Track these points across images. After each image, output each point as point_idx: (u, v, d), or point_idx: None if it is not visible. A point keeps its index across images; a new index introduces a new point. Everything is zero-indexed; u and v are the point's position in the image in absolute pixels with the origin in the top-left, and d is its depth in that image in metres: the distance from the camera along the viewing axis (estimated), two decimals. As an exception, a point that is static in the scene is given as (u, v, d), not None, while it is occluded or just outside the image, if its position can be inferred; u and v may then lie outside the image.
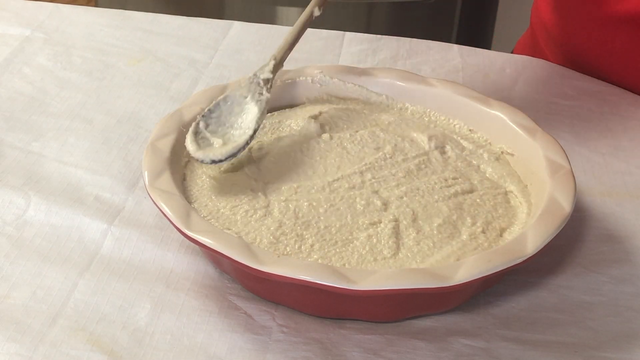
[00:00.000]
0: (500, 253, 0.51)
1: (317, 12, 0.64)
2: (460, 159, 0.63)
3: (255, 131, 0.57)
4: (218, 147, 0.57)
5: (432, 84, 0.69)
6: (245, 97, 0.60)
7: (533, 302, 0.57)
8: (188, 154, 0.61)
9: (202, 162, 0.56)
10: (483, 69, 0.85)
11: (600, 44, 0.85)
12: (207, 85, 0.78)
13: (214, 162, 0.56)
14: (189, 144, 0.57)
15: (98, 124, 0.72)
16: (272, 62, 0.63)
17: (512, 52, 1.02)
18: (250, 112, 0.58)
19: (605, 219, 0.64)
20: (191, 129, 0.58)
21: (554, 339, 0.54)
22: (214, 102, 0.60)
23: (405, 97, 0.69)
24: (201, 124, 0.58)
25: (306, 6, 0.66)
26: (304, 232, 0.55)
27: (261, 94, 0.59)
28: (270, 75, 0.62)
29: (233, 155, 0.56)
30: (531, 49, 0.97)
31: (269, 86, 0.60)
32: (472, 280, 0.49)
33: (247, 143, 0.57)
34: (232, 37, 0.89)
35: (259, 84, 0.60)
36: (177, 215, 0.53)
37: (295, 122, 0.65)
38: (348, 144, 0.63)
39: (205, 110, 0.59)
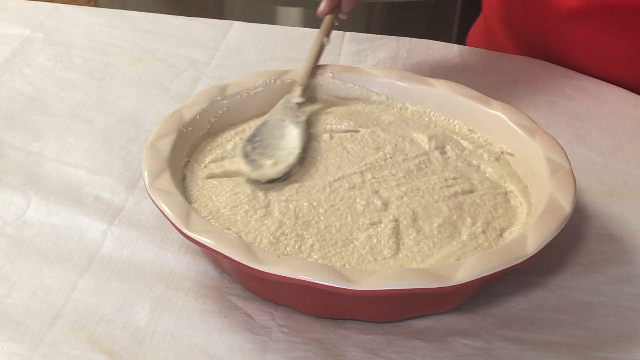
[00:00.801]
0: (500, 253, 0.51)
1: (326, 42, 0.72)
2: (461, 159, 0.63)
3: (302, 149, 0.61)
4: (271, 167, 0.59)
5: (432, 84, 0.69)
6: (283, 121, 0.64)
7: (533, 302, 0.57)
8: (189, 154, 0.61)
9: (259, 182, 0.59)
10: (483, 69, 0.85)
11: (559, 38, 0.86)
12: (207, 85, 0.78)
13: (270, 180, 0.59)
14: (244, 167, 0.59)
15: (98, 124, 0.72)
16: (300, 88, 0.67)
17: (465, 44, 1.01)
18: (291, 134, 0.63)
19: (605, 219, 0.64)
20: (240, 153, 0.60)
21: (554, 339, 0.54)
22: (255, 128, 0.63)
23: (405, 97, 0.69)
24: (248, 148, 0.61)
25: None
26: (304, 232, 0.55)
27: (297, 116, 0.64)
28: (302, 99, 0.67)
29: (286, 172, 0.59)
30: (487, 41, 0.97)
31: (303, 109, 0.66)
32: (472, 281, 0.49)
33: (297, 161, 0.60)
34: (232, 37, 0.89)
35: (292, 108, 0.65)
36: (177, 215, 0.53)
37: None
38: (348, 144, 0.63)
39: (249, 136, 0.62)
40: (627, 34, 0.82)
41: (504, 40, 0.94)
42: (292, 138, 0.62)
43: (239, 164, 0.60)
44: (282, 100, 0.66)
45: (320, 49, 0.71)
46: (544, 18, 0.87)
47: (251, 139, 0.62)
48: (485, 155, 0.64)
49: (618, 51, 0.83)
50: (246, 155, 0.60)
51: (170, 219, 0.53)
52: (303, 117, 0.64)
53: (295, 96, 0.67)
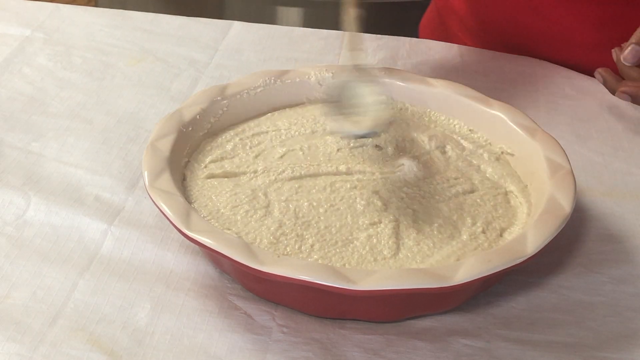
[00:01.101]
0: (500, 253, 0.51)
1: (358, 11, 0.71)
2: (461, 159, 0.63)
3: (385, 102, 0.62)
4: (367, 122, 0.60)
5: (432, 84, 0.69)
6: (353, 82, 0.63)
7: (533, 302, 0.57)
8: (189, 154, 0.61)
9: (360, 136, 0.60)
10: (483, 69, 0.85)
11: (520, 29, 0.87)
12: (207, 85, 0.78)
13: (374, 133, 0.60)
14: (347, 125, 0.59)
15: (98, 124, 0.72)
16: (355, 53, 0.66)
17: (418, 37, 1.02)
18: (366, 92, 0.62)
19: (605, 219, 0.64)
20: (331, 115, 0.61)
21: (554, 339, 0.54)
22: (327, 91, 0.64)
23: (405, 97, 0.69)
24: (337, 109, 0.61)
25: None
26: (304, 232, 0.55)
27: (366, 75, 0.63)
28: (364, 61, 0.65)
29: (383, 125, 0.61)
30: (441, 33, 0.97)
31: (368, 68, 0.65)
32: (472, 281, 0.49)
33: (386, 113, 0.62)
34: (232, 37, 0.89)
35: (358, 70, 0.64)
36: (177, 215, 0.53)
37: (295, 121, 0.65)
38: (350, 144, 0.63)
39: (328, 98, 0.63)
40: (587, 23, 0.83)
41: (459, 32, 0.94)
42: (369, 95, 0.62)
43: (335, 123, 0.60)
44: (348, 66, 0.66)
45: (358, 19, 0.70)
46: (502, 11, 0.87)
47: (332, 102, 0.62)
48: (486, 155, 0.64)
49: (580, 39, 0.84)
50: (339, 114, 0.60)
51: (170, 219, 0.53)
52: (374, 75, 0.65)
53: (358, 60, 0.65)
